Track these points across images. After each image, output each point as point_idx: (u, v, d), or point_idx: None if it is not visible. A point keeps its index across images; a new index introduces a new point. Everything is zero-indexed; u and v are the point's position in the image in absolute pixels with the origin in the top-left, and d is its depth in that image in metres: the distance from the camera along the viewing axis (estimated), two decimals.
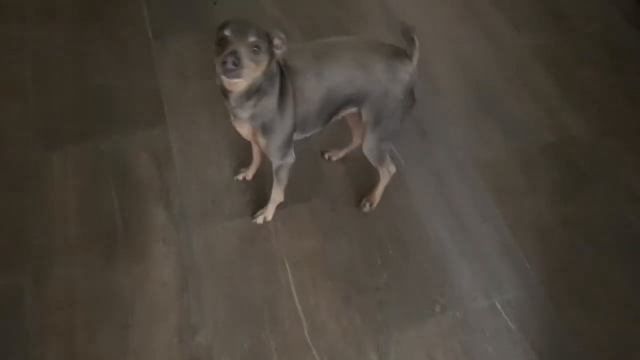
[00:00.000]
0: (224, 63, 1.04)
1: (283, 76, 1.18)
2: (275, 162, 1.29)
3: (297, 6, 1.91)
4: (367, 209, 1.45)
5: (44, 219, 1.41)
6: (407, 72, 1.21)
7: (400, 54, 1.21)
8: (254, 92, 1.14)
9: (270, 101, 1.16)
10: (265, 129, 1.20)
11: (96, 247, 1.37)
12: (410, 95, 1.25)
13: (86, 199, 1.45)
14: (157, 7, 1.89)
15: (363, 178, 1.49)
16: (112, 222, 1.41)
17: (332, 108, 1.25)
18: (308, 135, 1.30)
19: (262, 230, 1.41)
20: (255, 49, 1.06)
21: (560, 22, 1.89)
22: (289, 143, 1.25)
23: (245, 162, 1.49)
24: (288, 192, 1.38)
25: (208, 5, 1.89)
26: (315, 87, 1.20)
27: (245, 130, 1.22)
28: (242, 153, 1.53)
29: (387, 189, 1.43)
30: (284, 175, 1.32)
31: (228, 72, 1.05)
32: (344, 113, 1.28)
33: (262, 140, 1.22)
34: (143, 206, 1.44)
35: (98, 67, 1.74)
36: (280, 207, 1.41)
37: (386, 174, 1.41)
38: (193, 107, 1.65)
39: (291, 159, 1.29)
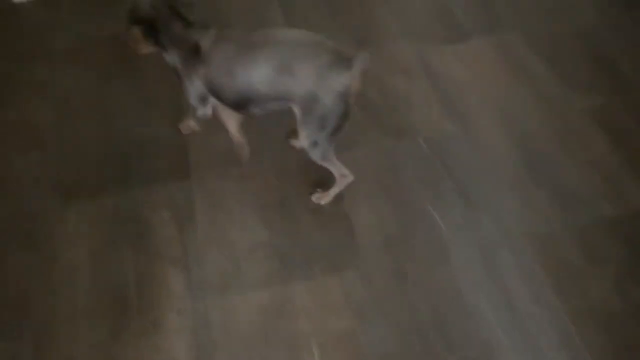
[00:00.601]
0: None
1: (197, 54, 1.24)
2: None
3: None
4: (315, 199, 1.43)
5: (51, 280, 1.30)
6: (339, 81, 1.20)
7: (338, 62, 1.19)
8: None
9: (173, 58, 1.31)
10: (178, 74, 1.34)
11: (104, 316, 1.24)
12: (342, 105, 1.22)
13: (99, 260, 1.34)
14: None
15: (401, 244, 1.34)
16: (124, 288, 1.29)
17: (252, 101, 1.27)
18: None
19: (287, 305, 1.27)
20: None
21: (620, 83, 1.75)
22: (201, 99, 1.33)
23: (274, 227, 1.37)
24: (317, 261, 1.24)
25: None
26: (228, 85, 1.26)
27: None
28: (268, 214, 1.41)
29: (426, 259, 1.29)
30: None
31: None
32: (277, 106, 1.28)
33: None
34: (159, 270, 1.32)
35: (123, 114, 1.66)
36: (308, 277, 1.27)
37: (338, 176, 1.38)
38: (219, 160, 1.54)
39: (202, 112, 1.36)
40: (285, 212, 1.43)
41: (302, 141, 1.29)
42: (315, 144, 1.29)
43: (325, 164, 1.36)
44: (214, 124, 1.62)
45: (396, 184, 1.48)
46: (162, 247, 1.36)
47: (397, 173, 1.51)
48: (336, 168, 1.37)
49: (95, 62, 1.79)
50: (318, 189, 1.44)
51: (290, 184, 1.49)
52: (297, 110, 1.26)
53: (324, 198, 1.43)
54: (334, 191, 1.42)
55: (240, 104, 1.30)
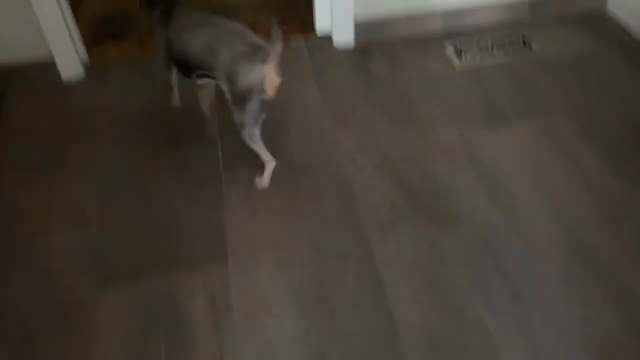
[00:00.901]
0: None
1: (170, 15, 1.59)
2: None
3: (371, 140, 1.80)
4: (257, 185, 1.63)
5: None
6: (251, 70, 1.40)
7: (254, 53, 1.40)
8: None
9: (154, 15, 1.64)
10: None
11: None
12: (257, 91, 1.43)
13: (133, 350, 1.30)
14: (231, 137, 1.82)
15: (447, 347, 1.27)
16: None
17: (189, 66, 1.57)
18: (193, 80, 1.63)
19: None
20: None
21: None
22: (167, 63, 1.66)
23: (312, 322, 1.32)
24: None
25: (282, 137, 1.82)
26: (175, 41, 1.57)
27: None
28: (306, 308, 1.36)
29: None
30: None
31: None
32: (204, 79, 1.58)
33: None
34: None
35: (163, 194, 1.67)
36: None
37: (264, 160, 1.59)
38: (257, 245, 1.51)
39: (169, 76, 1.71)
40: (324, 306, 1.37)
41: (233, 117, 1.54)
42: (242, 124, 1.53)
43: (252, 146, 1.58)
44: (251, 209, 1.61)
45: (441, 278, 1.42)
46: (198, 340, 1.31)
47: (442, 265, 1.45)
48: (261, 152, 1.59)
49: (139, 143, 1.82)
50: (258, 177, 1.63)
51: (329, 274, 1.44)
52: (223, 89, 1.52)
53: (261, 183, 1.64)
54: (266, 176, 1.63)
55: (181, 66, 1.62)
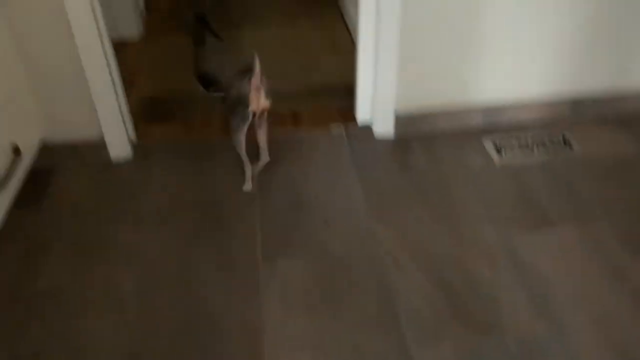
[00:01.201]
0: None
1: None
2: None
3: (411, 238, 1.79)
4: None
5: None
6: (241, 84, 1.84)
7: (244, 72, 1.84)
8: None
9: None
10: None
11: None
12: (242, 99, 1.85)
13: None
14: (270, 226, 1.84)
15: None
16: None
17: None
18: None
19: None
20: None
21: None
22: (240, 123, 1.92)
23: None
24: None
25: (320, 230, 1.82)
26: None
27: None
28: None
29: None
30: None
31: None
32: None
33: None
34: None
35: (202, 282, 1.66)
36: None
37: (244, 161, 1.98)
38: (295, 344, 1.48)
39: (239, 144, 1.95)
40: None
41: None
42: (232, 131, 1.91)
43: (237, 150, 1.94)
44: (289, 304, 1.59)
45: None
46: None
47: None
48: (242, 156, 1.96)
49: (181, 227, 1.85)
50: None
51: None
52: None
53: (245, 187, 1.98)
54: (247, 180, 1.99)
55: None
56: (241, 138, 1.91)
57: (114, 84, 2.03)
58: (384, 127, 2.23)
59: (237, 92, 1.87)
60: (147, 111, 2.42)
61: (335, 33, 3.11)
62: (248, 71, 1.81)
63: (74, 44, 1.89)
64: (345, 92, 2.46)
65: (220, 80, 2.03)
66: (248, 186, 2.00)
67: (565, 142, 2.18)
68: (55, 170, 2.09)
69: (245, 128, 1.90)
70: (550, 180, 2.00)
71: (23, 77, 1.90)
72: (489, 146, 2.16)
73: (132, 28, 2.98)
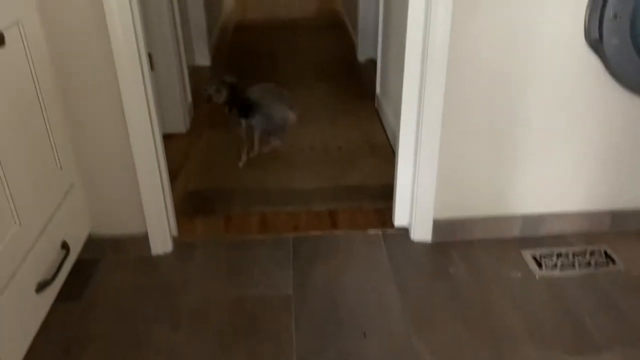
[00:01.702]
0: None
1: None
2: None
3: (449, 350, 1.74)
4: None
5: None
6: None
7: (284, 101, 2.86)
8: None
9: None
10: None
11: None
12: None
13: None
14: (306, 333, 1.82)
15: None
16: None
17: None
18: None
19: None
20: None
21: None
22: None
23: None
24: None
25: (356, 337, 1.79)
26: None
27: None
28: None
29: None
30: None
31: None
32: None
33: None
34: None
35: None
36: None
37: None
38: None
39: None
40: None
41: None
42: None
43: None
44: None
45: None
46: None
47: None
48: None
49: (216, 328, 1.84)
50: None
51: None
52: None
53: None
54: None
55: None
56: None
57: (161, 179, 2.11)
58: (421, 232, 2.24)
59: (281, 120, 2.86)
60: (188, 205, 2.49)
61: (372, 132, 3.20)
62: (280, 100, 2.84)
63: (129, 142, 1.99)
64: (382, 194, 2.50)
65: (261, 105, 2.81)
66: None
67: (607, 255, 2.14)
68: (98, 263, 2.13)
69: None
70: (593, 298, 1.95)
71: (76, 175, 1.99)
72: (528, 258, 2.14)
73: (179, 122, 3.13)
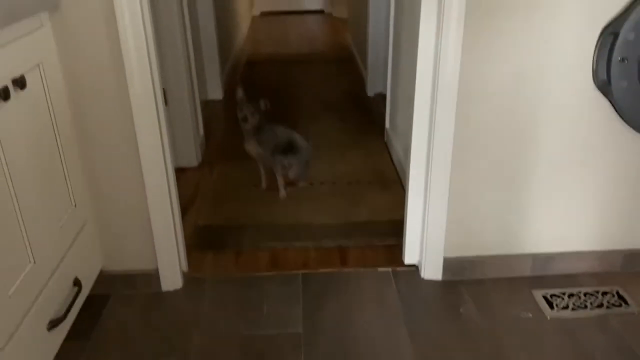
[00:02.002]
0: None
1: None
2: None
3: None
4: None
5: None
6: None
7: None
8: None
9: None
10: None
11: None
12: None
13: None
14: None
15: None
16: None
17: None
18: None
19: None
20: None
21: None
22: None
23: None
24: None
25: None
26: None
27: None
28: None
29: None
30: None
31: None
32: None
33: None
34: None
35: None
36: None
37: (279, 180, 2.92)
38: None
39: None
40: None
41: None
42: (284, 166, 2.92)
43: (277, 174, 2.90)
44: None
45: None
46: None
47: None
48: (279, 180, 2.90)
49: None
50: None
51: None
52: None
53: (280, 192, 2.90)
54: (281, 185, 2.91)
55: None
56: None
57: (173, 215, 2.13)
58: (432, 270, 2.23)
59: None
60: (199, 239, 2.51)
61: (381, 167, 3.22)
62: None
63: (142, 178, 2.02)
64: (391, 230, 2.51)
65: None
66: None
67: (620, 296, 2.12)
68: (108, 298, 2.14)
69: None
70: (605, 340, 1.92)
71: (89, 212, 2.02)
72: (539, 297, 2.12)
73: (191, 156, 3.17)
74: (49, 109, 1.73)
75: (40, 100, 1.68)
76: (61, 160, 1.80)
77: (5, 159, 1.44)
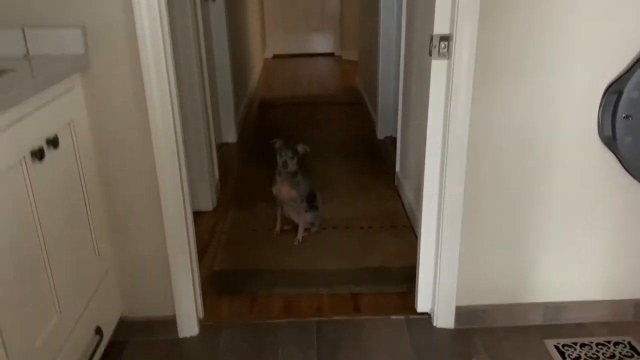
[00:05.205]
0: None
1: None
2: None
3: None
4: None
5: None
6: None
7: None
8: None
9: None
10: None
11: None
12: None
13: None
14: None
15: None
16: None
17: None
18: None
19: None
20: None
21: None
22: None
23: None
24: None
25: None
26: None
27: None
28: None
29: None
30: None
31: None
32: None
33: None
34: None
35: None
36: None
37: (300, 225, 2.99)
38: None
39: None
40: None
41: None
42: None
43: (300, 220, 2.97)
44: None
45: None
46: None
47: None
48: (301, 225, 2.97)
49: None
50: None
51: None
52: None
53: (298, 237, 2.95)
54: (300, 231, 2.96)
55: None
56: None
57: (191, 262, 2.18)
58: (444, 319, 2.26)
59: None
60: (214, 284, 2.56)
61: (392, 211, 3.27)
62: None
63: (162, 226, 2.08)
64: (403, 276, 2.55)
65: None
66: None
67: (632, 347, 2.13)
68: (126, 345, 2.18)
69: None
70: None
71: (112, 262, 2.08)
72: (550, 347, 2.14)
73: (207, 200, 3.25)
74: (77, 164, 1.82)
75: (70, 156, 1.77)
76: (87, 212, 1.88)
77: (38, 216, 1.52)
